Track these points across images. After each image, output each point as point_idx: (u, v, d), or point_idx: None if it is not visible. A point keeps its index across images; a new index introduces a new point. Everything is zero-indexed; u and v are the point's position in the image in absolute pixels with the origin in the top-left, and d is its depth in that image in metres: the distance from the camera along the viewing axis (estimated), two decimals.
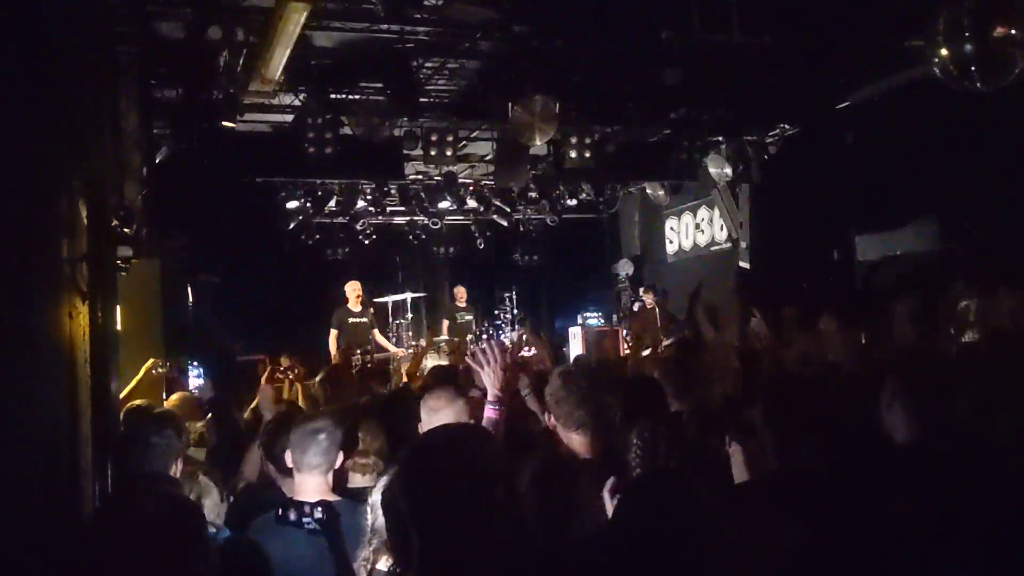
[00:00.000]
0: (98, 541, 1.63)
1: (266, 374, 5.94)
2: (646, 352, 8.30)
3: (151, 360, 5.36)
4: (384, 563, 1.78)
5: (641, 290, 12.31)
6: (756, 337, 6.60)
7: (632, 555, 1.61)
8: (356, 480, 3.22)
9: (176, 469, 2.94)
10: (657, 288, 12.33)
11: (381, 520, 2.01)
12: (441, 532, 1.64)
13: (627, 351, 10.74)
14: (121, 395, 4.61)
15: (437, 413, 2.91)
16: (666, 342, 9.10)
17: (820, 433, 2.40)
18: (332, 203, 11.94)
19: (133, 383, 5.11)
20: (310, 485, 2.85)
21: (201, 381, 7.91)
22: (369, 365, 9.24)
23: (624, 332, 12.00)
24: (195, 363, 8.36)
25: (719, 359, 5.23)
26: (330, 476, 2.90)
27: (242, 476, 3.67)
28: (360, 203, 12.21)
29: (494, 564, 1.63)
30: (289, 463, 2.91)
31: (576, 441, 2.80)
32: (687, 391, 4.01)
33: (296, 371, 5.62)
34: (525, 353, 10.92)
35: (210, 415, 4.99)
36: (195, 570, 1.67)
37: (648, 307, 11.80)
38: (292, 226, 12.08)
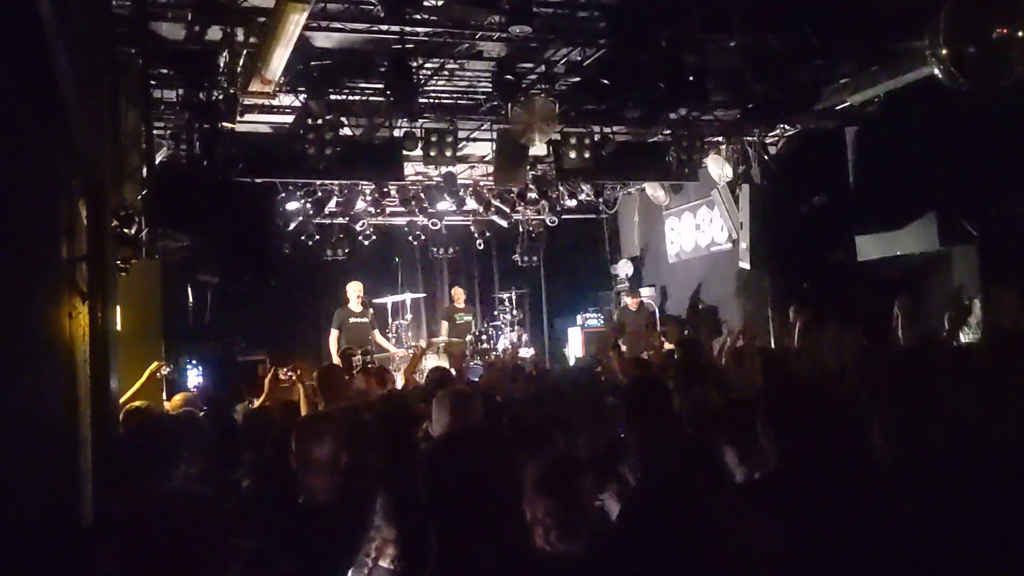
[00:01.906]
0: (126, 536, 1.62)
1: (269, 375, 5.94)
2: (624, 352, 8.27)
3: (156, 363, 5.36)
4: (387, 560, 1.79)
5: (624, 294, 12.33)
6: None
7: (636, 558, 1.61)
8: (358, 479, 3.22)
9: (179, 470, 2.94)
10: (635, 289, 12.34)
11: (386, 519, 2.02)
12: (460, 529, 1.66)
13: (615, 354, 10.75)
14: (123, 397, 4.61)
15: (451, 412, 2.92)
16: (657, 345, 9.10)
17: (820, 435, 2.40)
18: (332, 204, 11.94)
19: (137, 385, 5.11)
20: (316, 484, 2.85)
21: (201, 380, 7.92)
22: (370, 365, 9.24)
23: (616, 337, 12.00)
24: (194, 362, 8.36)
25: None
26: (335, 475, 2.90)
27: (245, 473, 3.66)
28: (360, 204, 12.21)
29: (509, 563, 1.64)
30: (294, 463, 2.91)
31: (579, 443, 2.81)
32: (689, 391, 4.01)
33: (298, 372, 5.62)
34: (523, 354, 10.95)
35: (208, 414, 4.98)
36: (226, 564, 1.67)
37: (633, 310, 11.80)
38: (292, 227, 12.08)
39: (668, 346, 9.24)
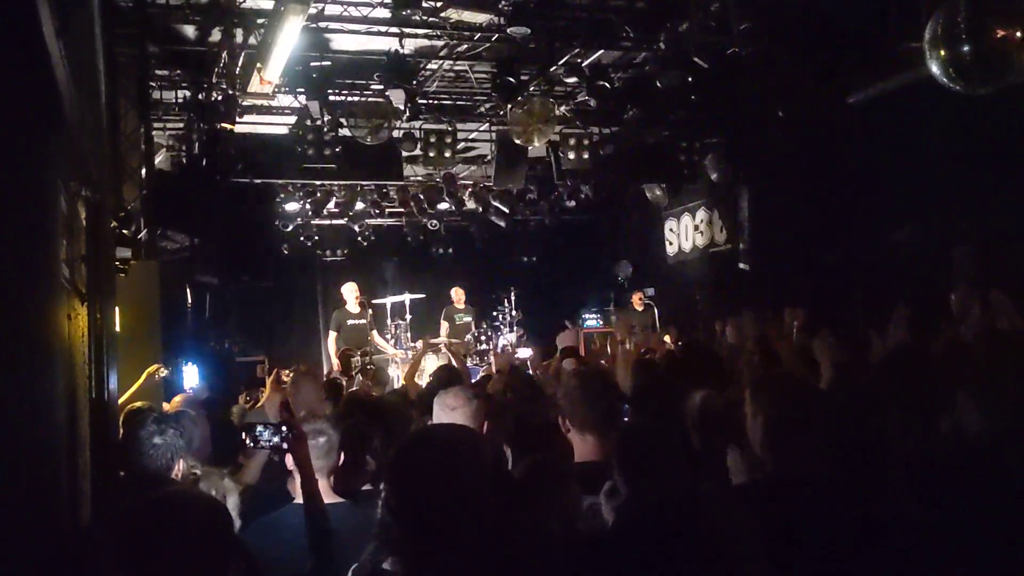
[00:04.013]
0: (128, 542, 1.62)
1: (271, 378, 5.94)
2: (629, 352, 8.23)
3: (154, 365, 5.35)
4: (390, 563, 1.78)
5: (632, 294, 12.29)
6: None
7: (634, 560, 1.60)
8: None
9: (178, 470, 2.94)
10: (646, 291, 12.33)
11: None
12: (422, 528, 1.66)
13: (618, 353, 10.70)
14: (122, 399, 4.61)
15: (453, 411, 2.90)
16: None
17: (814, 436, 2.39)
18: (331, 205, 11.95)
19: (135, 387, 5.10)
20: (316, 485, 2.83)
21: (196, 382, 7.88)
22: (369, 367, 9.24)
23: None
24: (190, 363, 8.33)
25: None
26: (331, 478, 2.89)
27: (241, 480, 3.64)
28: (359, 205, 12.22)
29: (474, 562, 1.63)
30: (290, 466, 2.89)
31: (589, 442, 2.79)
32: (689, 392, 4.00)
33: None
34: (521, 354, 10.94)
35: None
36: (228, 569, 1.67)
37: (639, 310, 11.77)
38: (291, 228, 12.10)
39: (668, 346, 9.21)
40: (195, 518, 1.66)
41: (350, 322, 10.47)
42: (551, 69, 8.38)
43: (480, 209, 12.80)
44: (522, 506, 2.31)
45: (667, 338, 8.35)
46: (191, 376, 7.88)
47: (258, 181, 9.70)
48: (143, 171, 6.38)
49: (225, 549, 1.68)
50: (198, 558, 1.60)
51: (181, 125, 8.23)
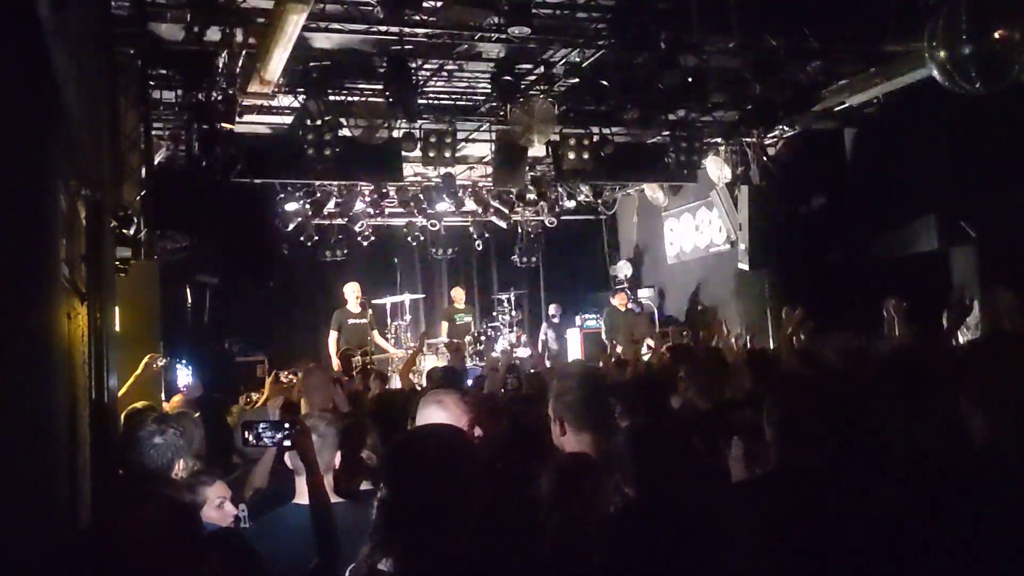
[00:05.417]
0: (98, 545, 1.65)
1: (271, 379, 5.95)
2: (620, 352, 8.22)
3: (151, 355, 5.35)
4: (386, 564, 1.79)
5: (612, 296, 12.23)
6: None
7: (642, 557, 1.61)
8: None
9: (178, 469, 2.94)
10: (628, 293, 12.30)
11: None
12: (410, 526, 1.67)
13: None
14: (121, 391, 4.61)
15: (437, 410, 2.89)
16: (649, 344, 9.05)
17: (823, 433, 2.40)
18: (331, 205, 11.95)
19: (132, 378, 5.11)
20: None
21: (191, 381, 7.88)
22: (369, 366, 9.24)
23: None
24: (184, 362, 8.32)
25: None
26: (329, 476, 2.89)
27: (250, 484, 3.63)
28: (359, 205, 12.22)
29: (466, 559, 1.65)
30: (291, 464, 2.90)
31: (585, 442, 2.79)
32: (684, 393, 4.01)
33: (299, 375, 5.63)
34: (520, 354, 10.95)
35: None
36: (194, 571, 1.69)
37: (621, 311, 11.71)
38: (291, 228, 12.08)
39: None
40: (160, 519, 1.68)
41: (351, 322, 10.47)
42: (551, 69, 8.39)
43: (480, 209, 12.80)
44: (555, 503, 2.32)
45: (650, 341, 8.35)
46: (185, 375, 7.88)
47: (258, 181, 9.70)
48: (143, 171, 6.38)
49: (191, 549, 1.70)
50: (163, 557, 1.63)
51: (181, 125, 8.22)
